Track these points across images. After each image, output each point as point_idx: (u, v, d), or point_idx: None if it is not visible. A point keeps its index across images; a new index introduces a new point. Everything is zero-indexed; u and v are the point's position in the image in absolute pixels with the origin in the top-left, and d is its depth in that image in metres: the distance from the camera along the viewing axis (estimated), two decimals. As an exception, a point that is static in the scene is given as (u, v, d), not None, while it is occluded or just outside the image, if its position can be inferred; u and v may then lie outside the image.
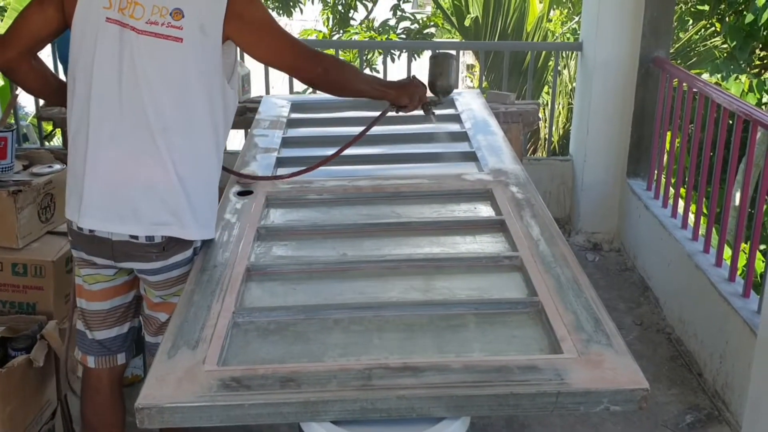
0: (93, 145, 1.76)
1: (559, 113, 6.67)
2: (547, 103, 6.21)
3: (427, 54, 5.88)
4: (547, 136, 5.54)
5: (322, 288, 1.79)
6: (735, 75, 6.47)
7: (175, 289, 1.86)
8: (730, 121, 2.99)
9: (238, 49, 1.87)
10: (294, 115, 3.05)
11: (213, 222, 1.89)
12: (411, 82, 2.11)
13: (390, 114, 2.20)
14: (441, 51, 2.23)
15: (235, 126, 3.81)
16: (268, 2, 8.01)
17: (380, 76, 4.71)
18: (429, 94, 2.20)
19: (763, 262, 4.48)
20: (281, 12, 8.05)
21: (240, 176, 2.28)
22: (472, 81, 9.74)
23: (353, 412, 1.36)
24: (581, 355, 1.48)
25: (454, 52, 2.24)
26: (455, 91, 3.68)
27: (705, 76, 6.59)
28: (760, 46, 7.19)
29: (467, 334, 1.62)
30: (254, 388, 1.37)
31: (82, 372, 2.08)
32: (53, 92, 1.97)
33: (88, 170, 1.77)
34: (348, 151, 2.71)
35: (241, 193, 2.22)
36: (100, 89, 1.74)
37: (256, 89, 4.05)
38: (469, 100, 3.19)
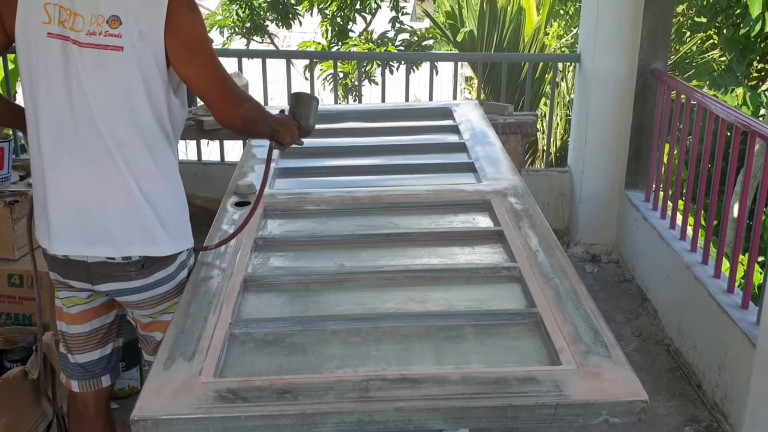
0: (50, 168, 1.69)
1: (557, 125, 6.68)
2: (545, 115, 6.22)
3: (426, 66, 5.90)
4: (545, 148, 5.56)
5: (320, 299, 1.78)
6: (731, 88, 6.49)
7: (163, 307, 1.81)
8: (728, 133, 3.00)
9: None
10: (292, 126, 3.04)
11: (187, 230, 1.82)
12: (288, 119, 2.00)
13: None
14: (303, 92, 2.09)
15: (234, 137, 3.85)
16: (267, 14, 8.04)
17: (379, 87, 4.72)
18: None
19: (761, 273, 4.48)
20: (280, 24, 8.07)
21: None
22: (470, 93, 9.76)
23: (351, 425, 1.35)
24: (580, 366, 1.47)
25: (317, 95, 2.13)
26: (453, 102, 3.71)
27: (702, 88, 6.61)
28: (758, 58, 7.23)
29: (465, 345, 1.62)
30: (251, 400, 1.36)
31: (68, 396, 2.02)
32: (8, 117, 1.87)
33: (50, 194, 1.70)
34: (346, 162, 2.72)
35: (238, 204, 2.21)
36: (50, 108, 1.66)
37: (255, 98, 4.05)
38: (467, 111, 3.19)
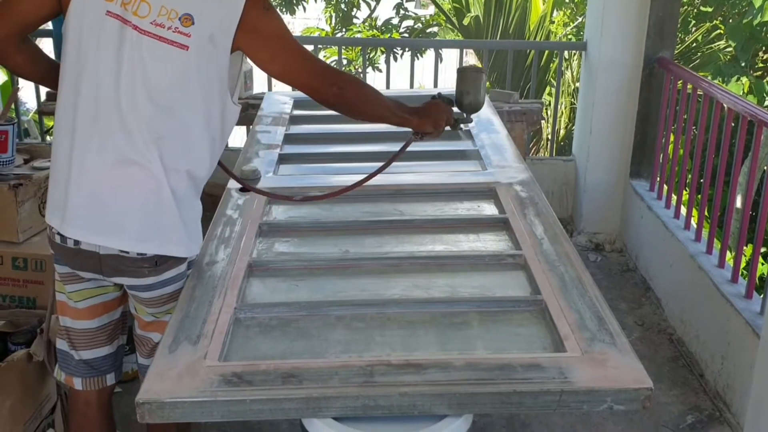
0: (79, 149, 1.62)
1: (562, 113, 6.65)
2: (550, 104, 6.20)
3: (430, 53, 5.87)
4: (549, 136, 5.54)
5: (324, 285, 1.78)
6: (736, 77, 6.45)
7: (168, 307, 1.74)
8: (734, 123, 2.98)
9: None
10: (297, 112, 3.04)
11: (200, 235, 1.78)
12: (434, 105, 1.93)
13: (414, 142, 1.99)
14: (470, 66, 2.00)
15: (238, 122, 3.83)
16: (271, 1, 8.01)
17: (383, 75, 4.70)
18: (455, 110, 2.01)
19: (763, 264, 4.47)
20: (284, 10, 8.02)
21: (265, 193, 2.10)
22: (477, 66, 9.72)
23: (355, 409, 1.35)
24: (585, 353, 1.47)
25: (482, 68, 2.05)
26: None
27: (707, 78, 6.58)
28: (764, 48, 7.18)
29: (470, 331, 1.62)
30: (256, 383, 1.36)
31: (69, 394, 1.95)
32: (46, 76, 1.80)
33: (74, 176, 1.63)
34: (351, 149, 2.71)
35: (242, 190, 2.20)
36: (93, 88, 1.60)
37: (259, 86, 4.04)
38: (472, 98, 3.17)
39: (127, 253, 1.65)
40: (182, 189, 1.65)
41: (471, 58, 9.21)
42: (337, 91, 1.73)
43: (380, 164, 2.52)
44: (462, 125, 2.02)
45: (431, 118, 1.89)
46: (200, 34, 1.58)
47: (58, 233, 1.68)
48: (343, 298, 1.71)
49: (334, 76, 1.76)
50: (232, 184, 2.24)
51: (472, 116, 2.05)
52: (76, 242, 1.66)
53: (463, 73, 1.99)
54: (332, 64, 7.07)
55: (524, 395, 1.37)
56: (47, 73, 1.79)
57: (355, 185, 1.99)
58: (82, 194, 1.63)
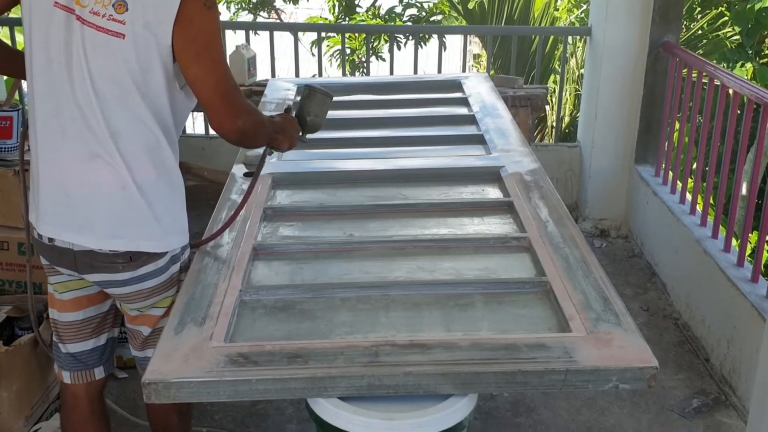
0: (43, 144, 1.60)
1: (566, 100, 6.62)
2: (554, 90, 6.17)
3: (434, 41, 5.84)
4: (554, 123, 5.51)
5: (329, 267, 1.78)
6: (741, 63, 6.41)
7: (152, 301, 1.70)
8: (739, 111, 2.96)
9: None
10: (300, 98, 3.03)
11: (183, 226, 1.71)
12: (291, 121, 1.87)
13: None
14: (321, 88, 1.93)
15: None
16: (274, -12, 7.97)
17: (386, 63, 4.69)
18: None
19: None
20: (287, 0, 8.00)
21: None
22: (478, 70, 9.68)
23: (360, 389, 1.36)
24: (590, 333, 1.47)
25: (330, 93, 1.94)
26: (462, 74, 3.68)
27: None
28: (769, 35, 7.13)
29: (475, 313, 1.62)
30: (261, 363, 1.37)
31: (60, 387, 1.92)
32: (14, 68, 1.74)
33: (41, 171, 1.61)
34: (356, 134, 2.71)
35: (247, 174, 2.21)
36: (49, 83, 1.56)
37: (262, 72, 4.04)
38: (476, 83, 3.17)
39: (100, 249, 1.61)
40: (149, 182, 1.60)
41: (474, 48, 9.17)
42: (240, 126, 1.62)
43: (384, 149, 2.54)
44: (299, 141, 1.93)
45: (288, 136, 1.84)
46: (135, 21, 1.52)
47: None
48: (348, 280, 1.71)
49: (245, 112, 1.64)
50: (237, 170, 2.24)
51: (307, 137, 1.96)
52: (51, 239, 1.64)
53: (313, 92, 1.92)
54: (335, 53, 7.06)
55: (529, 374, 1.37)
56: (8, 66, 1.75)
57: (218, 232, 1.86)
58: (51, 191, 1.61)
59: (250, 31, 4.33)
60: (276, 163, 2.33)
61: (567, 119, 6.49)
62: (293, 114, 1.92)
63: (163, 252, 1.66)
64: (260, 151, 2.35)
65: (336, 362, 1.38)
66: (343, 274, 1.75)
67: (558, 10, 8.07)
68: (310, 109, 1.91)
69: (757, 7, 6.08)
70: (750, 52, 6.61)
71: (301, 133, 1.92)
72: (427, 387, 1.37)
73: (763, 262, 3.59)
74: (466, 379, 1.38)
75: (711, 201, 3.26)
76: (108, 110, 1.55)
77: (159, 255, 1.66)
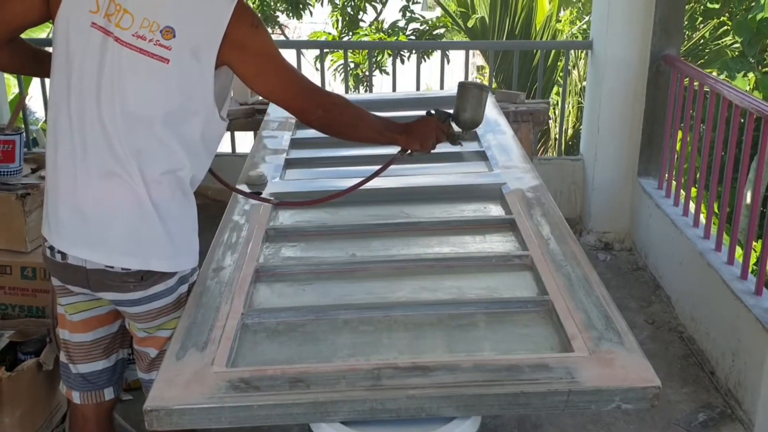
0: (63, 158, 1.62)
1: (569, 113, 6.64)
2: (557, 103, 6.19)
3: (437, 55, 5.87)
4: (557, 136, 5.52)
5: (331, 288, 1.78)
6: (743, 72, 6.42)
7: (160, 322, 1.72)
8: (742, 119, 2.96)
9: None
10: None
11: (194, 249, 1.73)
12: (424, 122, 1.88)
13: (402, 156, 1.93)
14: (471, 82, 1.92)
15: (245, 128, 3.85)
16: (278, 5, 8.02)
17: (390, 77, 4.71)
18: (454, 126, 1.93)
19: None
20: (291, 14, 8.04)
21: (259, 199, 2.11)
22: (482, 82, 9.71)
23: (363, 413, 1.35)
24: (592, 353, 1.47)
25: (485, 85, 1.93)
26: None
27: (714, 74, 6.55)
28: (772, 43, 7.13)
29: (477, 333, 1.62)
30: (263, 389, 1.37)
31: (69, 408, 1.93)
32: (39, 69, 1.78)
33: (61, 187, 1.63)
34: (358, 152, 2.71)
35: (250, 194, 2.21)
36: (78, 98, 1.59)
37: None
38: (477, 99, 3.17)
39: (112, 267, 1.62)
40: (165, 202, 1.62)
41: (478, 60, 9.21)
42: (323, 114, 1.72)
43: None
44: (460, 141, 1.94)
45: (418, 136, 1.85)
46: (181, 48, 1.55)
47: (49, 246, 1.68)
48: (350, 301, 1.71)
49: (322, 98, 1.74)
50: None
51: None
52: (63, 256, 1.65)
53: (463, 88, 1.92)
54: (339, 68, 7.09)
55: (532, 396, 1.37)
56: (40, 66, 1.77)
57: (334, 196, 1.97)
58: (68, 205, 1.63)
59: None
60: (277, 182, 2.34)
61: (570, 131, 6.49)
62: (438, 114, 1.91)
63: (173, 272, 1.68)
64: (262, 170, 2.39)
65: (338, 386, 1.37)
66: (345, 295, 1.75)
67: (560, 21, 8.11)
68: (462, 105, 1.90)
69: (758, 17, 6.10)
70: (752, 61, 6.62)
71: (463, 131, 1.92)
72: (430, 410, 1.37)
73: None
74: (469, 402, 1.38)
75: (715, 210, 3.25)
76: (133, 131, 1.58)
77: (169, 275, 1.68)
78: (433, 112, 1.92)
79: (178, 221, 1.67)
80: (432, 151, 1.91)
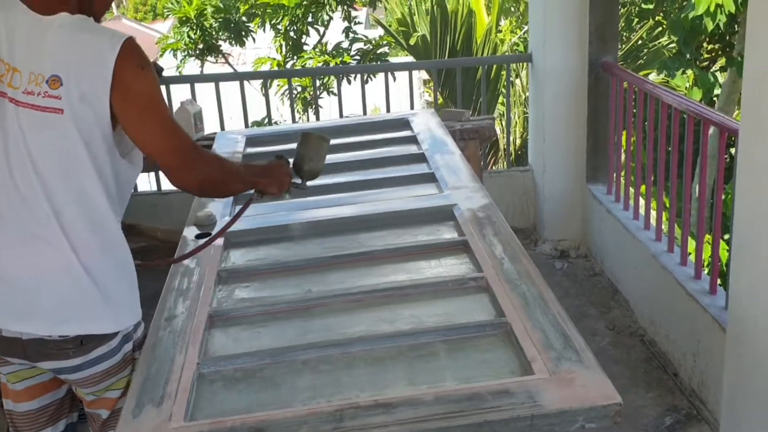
0: None
1: (516, 123, 6.73)
2: (503, 114, 6.27)
3: (382, 74, 5.89)
4: (505, 147, 5.59)
5: (288, 328, 1.76)
6: (681, 70, 6.59)
7: (106, 384, 1.65)
8: (684, 115, 3.03)
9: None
10: (250, 150, 3.02)
11: (134, 303, 1.67)
12: (279, 165, 1.87)
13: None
14: (314, 133, 1.93)
15: (192, 165, 3.79)
16: (220, 34, 7.97)
17: (335, 99, 4.71)
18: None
19: (728, 251, 4.54)
20: (233, 42, 8.00)
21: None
22: (429, 96, 9.80)
23: (326, 457, 1.33)
24: (552, 374, 1.47)
25: (327, 135, 1.94)
26: (410, 111, 3.71)
27: (652, 75, 6.71)
28: (707, 39, 7.35)
29: (438, 362, 1.61)
30: (223, 442, 1.33)
31: None
32: None
33: None
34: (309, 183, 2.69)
35: (199, 236, 2.18)
36: None
37: (212, 123, 4.01)
38: (424, 120, 3.19)
39: (50, 336, 1.56)
40: (96, 263, 1.56)
41: (424, 74, 9.28)
42: (201, 176, 1.64)
43: (336, 195, 2.53)
44: (296, 189, 1.92)
45: (276, 179, 1.84)
46: (71, 95, 1.49)
47: None
48: (308, 340, 1.68)
49: (199, 158, 1.65)
50: (188, 232, 2.21)
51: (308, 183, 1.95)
52: None
53: (307, 138, 1.91)
54: (285, 93, 7.07)
55: (495, 424, 1.37)
56: None
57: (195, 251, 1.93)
58: None
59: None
60: (227, 221, 2.30)
61: (518, 141, 6.58)
62: (285, 160, 1.90)
63: (114, 332, 1.61)
64: (211, 209, 2.35)
65: (300, 432, 1.35)
66: (302, 334, 1.72)
67: (501, 32, 8.23)
68: (305, 154, 1.90)
69: (691, 15, 6.27)
70: (689, 58, 6.80)
71: (301, 181, 1.92)
72: (394, 448, 1.35)
73: (724, 262, 3.66)
74: (433, 436, 1.36)
75: (665, 211, 3.32)
76: (50, 189, 1.52)
77: (110, 336, 1.61)
78: (281, 156, 1.90)
79: (114, 279, 1.60)
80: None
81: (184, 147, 1.62)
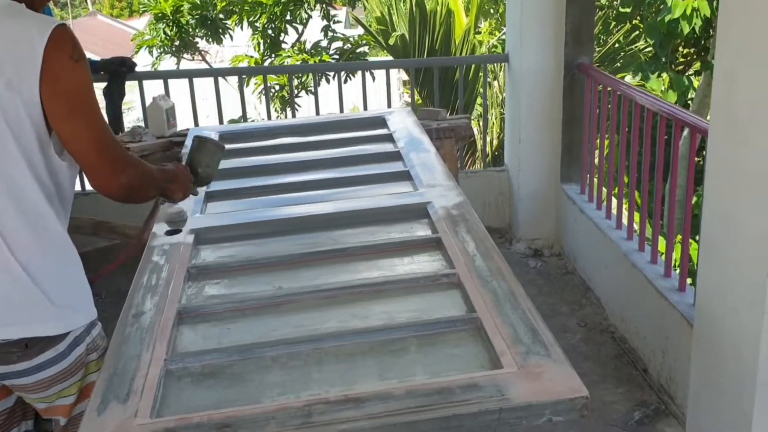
0: None
1: (493, 123, 6.77)
2: (481, 115, 6.30)
3: (360, 73, 5.89)
4: (482, 147, 5.62)
5: (257, 325, 1.75)
6: (657, 73, 6.68)
7: (55, 390, 1.58)
8: (657, 117, 3.06)
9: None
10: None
11: (84, 303, 1.61)
12: (183, 171, 1.83)
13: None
14: (212, 139, 1.92)
15: (162, 161, 3.75)
16: (196, 31, 7.92)
17: (312, 98, 4.70)
18: None
19: (697, 250, 4.60)
20: (211, 40, 7.95)
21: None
22: (408, 95, 9.81)
23: (294, 453, 1.32)
24: (521, 368, 1.48)
25: (222, 143, 1.94)
26: (387, 110, 3.71)
27: (628, 77, 6.79)
28: (683, 44, 7.45)
29: (408, 357, 1.61)
30: (189, 437, 1.32)
31: None
32: None
33: None
34: (283, 179, 2.69)
35: (169, 233, 2.16)
36: None
37: (185, 119, 3.98)
38: (400, 118, 3.20)
39: None
40: (37, 263, 1.50)
41: (403, 74, 9.29)
42: (125, 182, 1.55)
43: (310, 192, 2.53)
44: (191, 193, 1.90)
45: (182, 185, 1.81)
46: None
47: None
48: (278, 337, 1.67)
49: (126, 166, 1.56)
50: (158, 229, 2.19)
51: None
52: None
53: (203, 143, 1.88)
54: (262, 91, 7.03)
55: (463, 417, 1.37)
56: None
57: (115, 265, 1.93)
58: None
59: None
60: (198, 218, 2.29)
61: (495, 142, 6.61)
62: (184, 165, 1.87)
63: (62, 334, 1.55)
64: (181, 205, 2.33)
65: (267, 428, 1.34)
66: (272, 331, 1.71)
67: (480, 33, 8.27)
68: (201, 160, 1.88)
69: (667, 19, 6.36)
70: (664, 62, 6.89)
71: (193, 184, 1.89)
72: (363, 442, 1.35)
73: (694, 260, 3.71)
74: (401, 430, 1.36)
75: (636, 211, 3.35)
76: None
77: (58, 338, 1.55)
78: (181, 160, 1.89)
79: (56, 277, 1.53)
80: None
81: (109, 149, 1.53)
